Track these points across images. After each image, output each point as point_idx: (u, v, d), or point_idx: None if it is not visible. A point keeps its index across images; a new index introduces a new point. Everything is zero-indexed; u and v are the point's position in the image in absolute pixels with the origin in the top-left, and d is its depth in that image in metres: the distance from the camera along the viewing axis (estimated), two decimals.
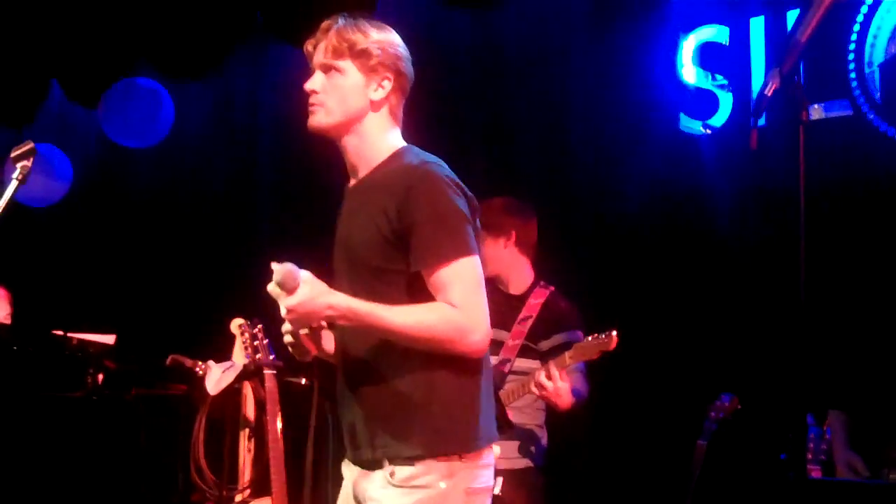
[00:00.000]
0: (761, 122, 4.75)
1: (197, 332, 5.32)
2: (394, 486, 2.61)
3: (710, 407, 4.43)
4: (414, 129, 2.83)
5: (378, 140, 2.73)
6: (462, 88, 5.49)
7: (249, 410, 4.66)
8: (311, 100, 2.70)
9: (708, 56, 5.10)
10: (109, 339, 5.29)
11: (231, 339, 4.62)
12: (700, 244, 5.01)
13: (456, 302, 2.57)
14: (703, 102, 5.06)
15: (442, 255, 2.58)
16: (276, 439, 4.38)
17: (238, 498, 4.54)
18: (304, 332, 2.63)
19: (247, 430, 4.64)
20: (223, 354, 4.65)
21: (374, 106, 2.71)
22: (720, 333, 4.83)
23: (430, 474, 2.61)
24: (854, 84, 4.68)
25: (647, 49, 5.17)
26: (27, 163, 2.97)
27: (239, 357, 4.58)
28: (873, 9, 4.68)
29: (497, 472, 4.17)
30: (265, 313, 4.70)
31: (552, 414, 4.34)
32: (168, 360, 4.70)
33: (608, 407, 4.96)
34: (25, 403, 5.22)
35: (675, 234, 5.09)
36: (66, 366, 5.28)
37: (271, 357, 4.51)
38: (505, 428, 3.92)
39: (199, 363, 4.62)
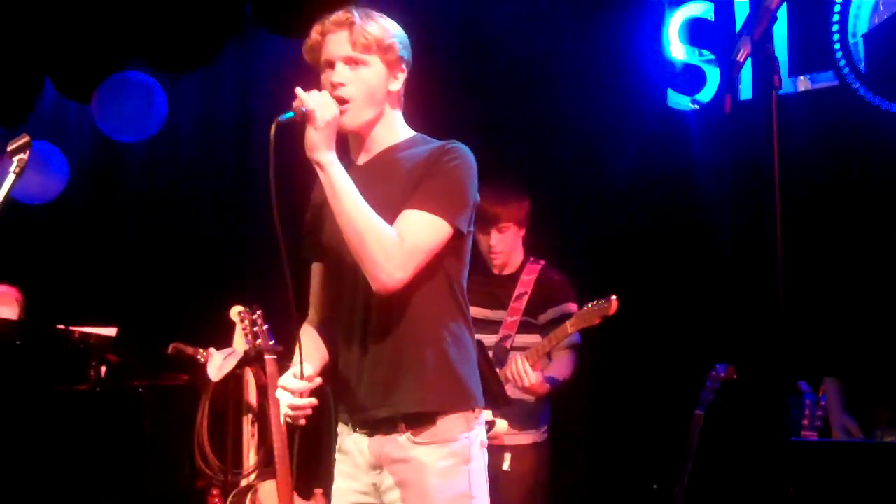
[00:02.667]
0: (748, 95, 4.84)
1: (197, 321, 5.37)
2: (421, 444, 2.70)
3: (706, 377, 4.50)
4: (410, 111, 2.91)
5: (392, 124, 2.84)
6: (451, 69, 5.53)
7: (251, 396, 4.71)
8: (339, 92, 2.72)
9: (694, 32, 5.13)
10: (111, 331, 5.33)
11: (231, 326, 4.67)
12: (691, 216, 5.06)
13: (404, 237, 2.65)
14: (690, 78, 5.09)
15: (430, 205, 2.67)
16: (279, 423, 4.43)
17: (243, 482, 4.59)
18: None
19: (250, 416, 4.69)
20: (224, 342, 4.70)
21: (392, 95, 2.81)
22: (714, 304, 4.88)
23: (452, 429, 2.72)
24: (839, 55, 4.72)
25: (634, 26, 5.20)
26: (24, 156, 2.98)
27: (239, 344, 4.63)
28: None
29: (505, 448, 4.25)
30: (264, 300, 4.77)
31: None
32: (169, 349, 4.74)
33: (607, 381, 5.02)
34: (30, 399, 5.26)
35: (666, 207, 5.14)
36: (69, 359, 5.31)
37: (271, 342, 4.56)
38: (502, 403, 4.00)
39: (201, 351, 4.67)
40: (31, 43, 6.27)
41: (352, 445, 2.81)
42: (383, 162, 2.80)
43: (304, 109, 2.63)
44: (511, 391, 4.18)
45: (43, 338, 5.32)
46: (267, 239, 6.73)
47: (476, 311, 4.23)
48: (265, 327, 4.58)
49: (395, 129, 2.84)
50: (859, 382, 3.79)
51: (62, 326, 5.27)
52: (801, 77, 4.88)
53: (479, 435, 2.78)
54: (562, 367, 4.33)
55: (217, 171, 6.62)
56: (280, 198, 2.65)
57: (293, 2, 5.62)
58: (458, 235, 2.72)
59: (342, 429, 2.85)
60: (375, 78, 2.76)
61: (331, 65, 2.76)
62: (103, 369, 5.26)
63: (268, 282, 6.06)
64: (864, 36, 4.70)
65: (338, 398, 2.81)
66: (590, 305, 4.16)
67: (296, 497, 4.48)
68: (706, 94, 5.03)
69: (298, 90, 2.65)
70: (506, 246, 4.44)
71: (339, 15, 2.77)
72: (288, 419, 2.72)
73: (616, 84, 5.22)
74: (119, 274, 6.59)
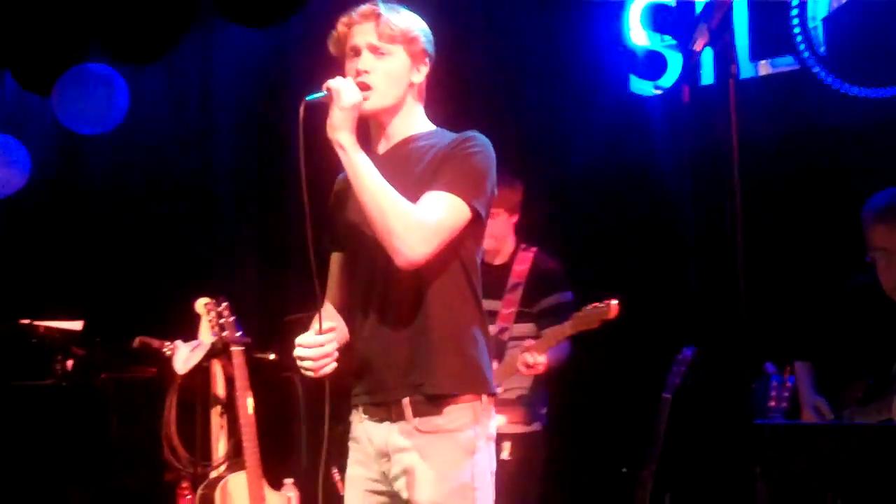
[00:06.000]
0: (710, 80, 4.87)
1: (163, 314, 5.35)
2: (426, 432, 2.74)
3: (673, 360, 4.53)
4: None
5: (413, 115, 2.92)
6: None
7: (219, 388, 4.70)
8: (363, 79, 2.80)
9: (656, 17, 5.15)
10: (77, 325, 5.31)
11: (197, 318, 4.66)
12: (654, 201, 5.09)
13: (426, 214, 2.70)
14: (652, 64, 5.11)
15: (450, 186, 2.74)
16: (247, 414, 4.44)
17: (213, 474, 4.59)
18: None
19: (218, 407, 4.68)
20: (190, 334, 4.69)
21: (414, 87, 2.90)
22: (680, 288, 4.91)
23: (458, 420, 2.76)
24: (799, 39, 4.75)
25: (595, 13, 5.21)
26: None
27: (206, 336, 4.62)
28: None
29: (505, 437, 4.26)
30: (230, 292, 4.76)
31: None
32: (135, 343, 4.73)
33: (575, 366, 5.03)
34: None
35: (629, 192, 5.16)
36: (35, 354, 5.29)
37: (238, 334, 4.56)
38: None
39: (167, 343, 4.65)
40: None
41: (362, 433, 2.86)
42: (403, 151, 2.87)
43: (329, 88, 2.71)
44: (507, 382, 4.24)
45: (7, 333, 5.29)
46: (232, 230, 6.72)
47: None
48: (231, 319, 4.58)
49: (415, 121, 2.92)
50: (829, 365, 3.83)
51: (27, 321, 5.25)
52: (762, 61, 4.91)
53: (487, 428, 2.81)
54: (559, 351, 4.33)
55: (181, 161, 6.59)
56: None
57: None
58: (476, 219, 2.78)
59: (354, 416, 2.89)
60: (399, 67, 2.85)
61: (356, 52, 2.85)
62: (69, 363, 5.25)
63: (234, 273, 6.12)
64: (824, 20, 4.75)
65: (354, 381, 2.85)
66: (589, 308, 4.09)
67: (266, 487, 4.48)
68: (668, 79, 5.05)
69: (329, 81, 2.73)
70: (495, 232, 4.42)
71: (365, 7, 2.87)
72: (312, 372, 2.72)
73: (578, 71, 5.23)
74: (84, 267, 6.55)
